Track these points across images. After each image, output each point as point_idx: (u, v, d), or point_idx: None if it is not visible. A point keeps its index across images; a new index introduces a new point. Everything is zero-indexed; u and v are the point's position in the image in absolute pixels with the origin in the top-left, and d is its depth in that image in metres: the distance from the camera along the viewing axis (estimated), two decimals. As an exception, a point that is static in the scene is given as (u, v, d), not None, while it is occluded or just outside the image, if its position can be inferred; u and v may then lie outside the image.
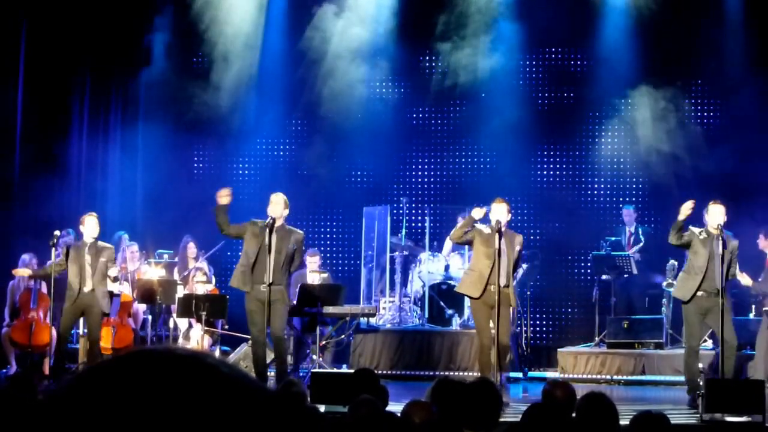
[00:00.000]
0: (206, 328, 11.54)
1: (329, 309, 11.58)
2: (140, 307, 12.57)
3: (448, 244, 13.17)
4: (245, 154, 15.17)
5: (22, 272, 11.80)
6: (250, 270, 10.11)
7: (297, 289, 11.40)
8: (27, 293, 12.07)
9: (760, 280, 11.19)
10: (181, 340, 12.03)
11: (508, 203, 10.22)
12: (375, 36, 14.39)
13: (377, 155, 14.47)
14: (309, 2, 14.52)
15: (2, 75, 13.69)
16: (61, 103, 14.36)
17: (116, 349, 11.72)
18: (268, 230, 10.03)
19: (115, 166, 14.70)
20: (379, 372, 10.92)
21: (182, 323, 12.20)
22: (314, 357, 11.39)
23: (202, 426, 1.10)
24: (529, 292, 13.36)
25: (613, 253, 13.10)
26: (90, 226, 10.90)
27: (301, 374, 11.08)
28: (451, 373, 11.41)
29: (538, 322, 14.36)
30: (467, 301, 11.80)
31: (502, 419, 4.93)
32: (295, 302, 11.27)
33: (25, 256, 12.10)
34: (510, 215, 10.23)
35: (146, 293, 11.81)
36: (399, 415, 4.78)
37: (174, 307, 11.94)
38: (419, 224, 14.40)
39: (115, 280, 11.06)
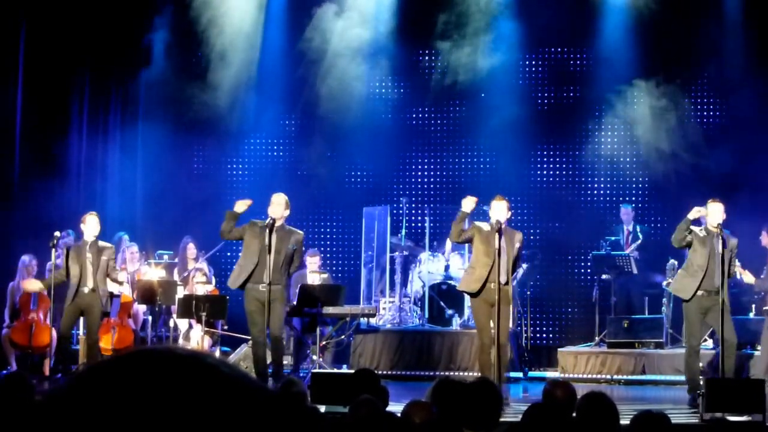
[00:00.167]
0: (206, 328, 11.54)
1: (329, 309, 11.57)
2: (140, 308, 12.57)
3: (449, 244, 13.18)
4: (245, 154, 15.16)
5: (32, 287, 11.72)
6: (250, 270, 10.12)
7: (297, 290, 11.40)
8: (27, 294, 12.04)
9: (762, 277, 11.20)
10: (181, 341, 12.02)
11: (507, 201, 10.22)
12: (375, 35, 14.38)
13: (377, 155, 14.46)
14: (309, 2, 14.52)
15: (2, 75, 13.68)
16: (60, 103, 14.35)
17: (116, 349, 11.71)
18: (268, 230, 10.04)
19: (114, 166, 14.69)
20: (380, 372, 10.90)
21: (182, 324, 12.20)
22: (314, 357, 11.39)
23: (203, 426, 1.10)
24: (529, 292, 13.36)
25: (612, 252, 13.10)
26: (91, 225, 10.93)
27: (301, 374, 11.07)
28: (451, 374, 11.41)
29: (538, 322, 14.36)
30: (467, 302, 11.81)
31: (502, 419, 4.93)
32: (295, 302, 11.27)
33: (25, 258, 12.10)
34: (510, 213, 10.22)
35: (146, 294, 11.81)
36: (399, 415, 4.78)
37: (174, 307, 11.94)
38: (419, 224, 14.39)
39: (122, 284, 11.10)
